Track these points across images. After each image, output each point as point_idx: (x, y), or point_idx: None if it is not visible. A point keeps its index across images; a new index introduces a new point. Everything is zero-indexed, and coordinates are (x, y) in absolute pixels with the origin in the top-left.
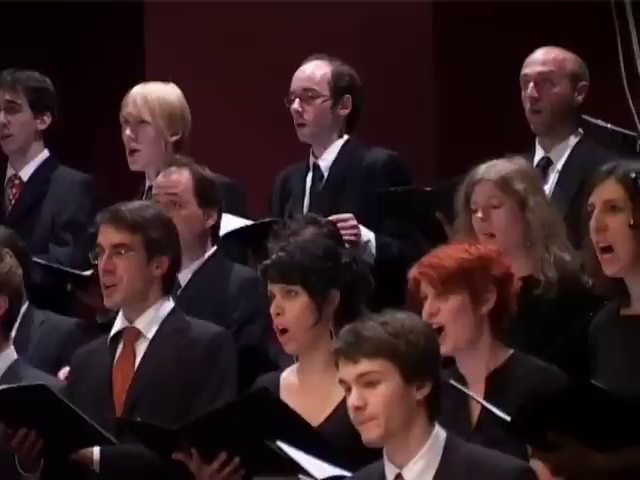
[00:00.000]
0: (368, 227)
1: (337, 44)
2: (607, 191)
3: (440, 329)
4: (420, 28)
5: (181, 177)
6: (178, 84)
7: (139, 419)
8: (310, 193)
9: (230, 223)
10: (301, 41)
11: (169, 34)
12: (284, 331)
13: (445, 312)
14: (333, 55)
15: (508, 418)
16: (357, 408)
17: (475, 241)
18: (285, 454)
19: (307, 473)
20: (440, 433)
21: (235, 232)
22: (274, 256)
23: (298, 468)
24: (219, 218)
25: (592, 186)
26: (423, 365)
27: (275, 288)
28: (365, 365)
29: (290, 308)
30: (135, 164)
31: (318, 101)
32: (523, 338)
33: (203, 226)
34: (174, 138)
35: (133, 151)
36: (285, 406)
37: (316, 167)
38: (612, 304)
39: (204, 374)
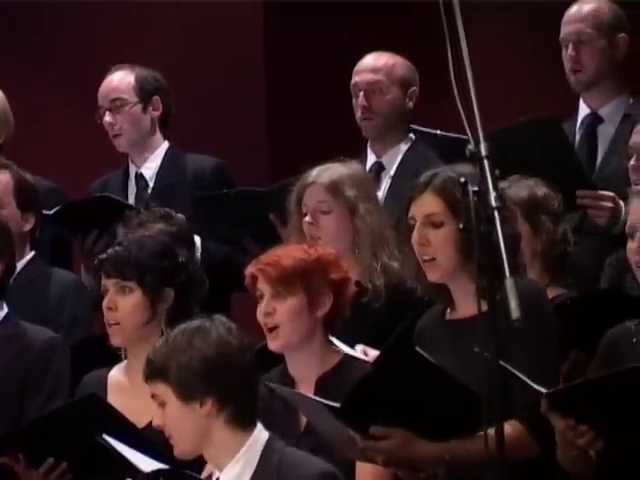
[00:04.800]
0: (198, 233)
1: (166, 44)
2: (426, 205)
3: (274, 327)
4: (251, 29)
5: (1, 178)
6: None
7: None
8: (136, 202)
9: None
10: (134, 41)
11: None
12: (115, 324)
13: (281, 312)
14: (164, 55)
15: (337, 405)
16: (159, 426)
17: (314, 243)
18: (112, 447)
19: (133, 467)
20: (261, 436)
21: (66, 210)
22: (110, 250)
23: (125, 463)
24: (37, 223)
25: (411, 198)
26: (196, 384)
27: (109, 283)
28: (152, 388)
29: (123, 304)
30: None
31: (127, 108)
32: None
33: (21, 229)
34: None
35: None
36: (113, 409)
37: (139, 176)
38: (436, 308)
39: (38, 378)
